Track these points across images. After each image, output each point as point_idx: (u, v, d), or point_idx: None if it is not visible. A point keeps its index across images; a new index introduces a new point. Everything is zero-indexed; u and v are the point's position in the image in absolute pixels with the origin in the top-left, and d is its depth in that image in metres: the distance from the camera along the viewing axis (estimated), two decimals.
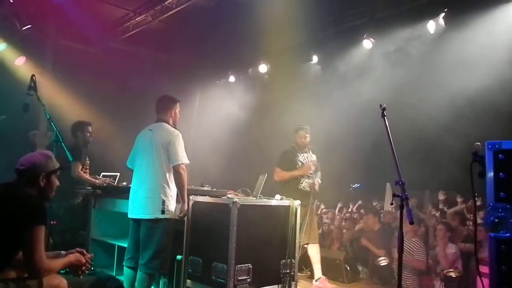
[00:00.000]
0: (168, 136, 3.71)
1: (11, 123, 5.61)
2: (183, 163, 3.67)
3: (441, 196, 6.43)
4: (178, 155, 3.66)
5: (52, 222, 3.96)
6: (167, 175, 3.68)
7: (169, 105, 3.94)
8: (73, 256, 2.55)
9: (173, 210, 3.70)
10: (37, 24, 6.87)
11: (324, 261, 5.06)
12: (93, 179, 5.03)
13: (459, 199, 5.99)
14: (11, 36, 6.69)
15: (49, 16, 6.83)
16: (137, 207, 3.70)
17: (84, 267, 2.57)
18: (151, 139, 3.77)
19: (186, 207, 3.71)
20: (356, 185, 8.31)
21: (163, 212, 3.61)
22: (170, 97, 4.01)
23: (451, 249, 4.98)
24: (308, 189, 4.98)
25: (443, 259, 4.95)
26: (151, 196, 3.64)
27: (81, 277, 2.58)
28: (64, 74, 7.11)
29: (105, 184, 4.91)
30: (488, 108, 5.18)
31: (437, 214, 6.11)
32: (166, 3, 6.61)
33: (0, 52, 6.66)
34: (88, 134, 5.22)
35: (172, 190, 3.71)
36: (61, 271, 3.78)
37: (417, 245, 5.19)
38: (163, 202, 3.62)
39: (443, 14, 5.71)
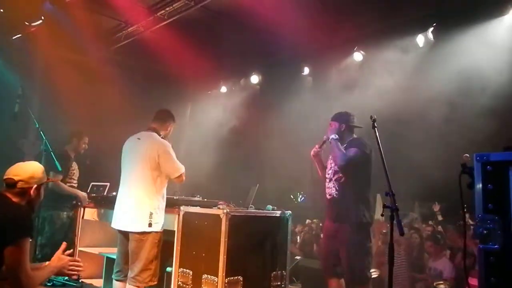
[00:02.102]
0: (158, 147, 3.64)
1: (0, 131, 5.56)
2: (183, 172, 3.69)
3: (436, 208, 6.47)
4: (177, 166, 3.66)
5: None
6: (155, 186, 3.61)
7: (169, 119, 3.91)
8: (54, 261, 2.50)
9: (161, 223, 3.65)
10: (28, 33, 6.86)
11: (312, 272, 5.01)
12: (72, 190, 4.86)
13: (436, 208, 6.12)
14: (1, 45, 6.66)
15: (40, 25, 6.80)
16: (124, 218, 3.63)
17: (71, 266, 2.52)
18: (139, 148, 3.70)
19: None
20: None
21: (150, 225, 3.54)
22: (173, 115, 3.99)
23: (444, 262, 4.99)
24: (328, 196, 3.84)
25: (436, 272, 4.96)
26: (138, 208, 3.57)
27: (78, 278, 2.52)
28: (54, 83, 7.07)
29: (87, 202, 4.80)
30: (476, 119, 5.26)
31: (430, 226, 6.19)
32: (158, 14, 6.65)
33: None
34: (83, 145, 5.18)
35: (160, 202, 3.66)
36: (47, 284, 3.73)
37: (401, 269, 4.99)
38: (151, 214, 3.56)
39: (432, 29, 5.85)
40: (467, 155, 1.82)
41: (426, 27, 5.90)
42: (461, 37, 5.50)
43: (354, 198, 3.62)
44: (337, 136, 3.77)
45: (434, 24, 5.82)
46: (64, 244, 2.60)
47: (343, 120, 3.86)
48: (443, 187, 5.32)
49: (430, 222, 6.46)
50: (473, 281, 2.00)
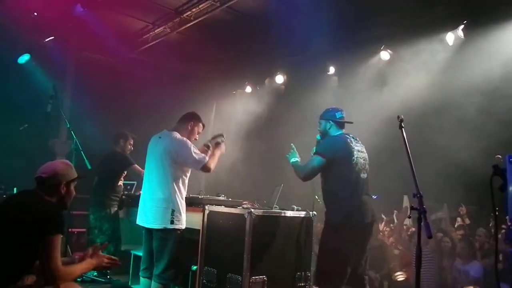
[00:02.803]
0: (176, 143, 3.68)
1: (32, 131, 5.75)
2: (205, 161, 3.65)
3: (462, 211, 6.28)
4: (198, 158, 3.64)
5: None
6: (175, 184, 3.65)
7: (191, 119, 3.92)
8: (94, 258, 2.59)
9: (184, 220, 3.69)
10: (60, 36, 7.08)
11: None
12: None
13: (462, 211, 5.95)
14: (34, 47, 6.89)
15: (71, 28, 7.01)
16: (147, 216, 3.70)
17: (108, 262, 2.65)
18: (159, 146, 3.76)
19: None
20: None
21: (172, 222, 3.59)
22: (197, 114, 3.98)
23: (474, 265, 4.85)
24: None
25: (466, 276, 4.83)
26: (160, 205, 3.63)
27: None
28: (85, 84, 7.27)
29: None
30: (507, 120, 5.08)
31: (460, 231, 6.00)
32: (184, 15, 6.71)
33: (23, 63, 6.86)
34: (129, 146, 5.29)
35: (181, 199, 3.70)
36: (78, 279, 3.84)
37: (426, 268, 4.86)
38: (173, 212, 3.61)
39: (462, 26, 5.67)
40: (499, 156, 1.77)
41: (456, 25, 5.72)
42: (493, 35, 5.31)
43: (325, 200, 3.68)
44: (295, 158, 3.90)
45: (465, 22, 5.64)
46: (104, 244, 2.80)
47: (329, 116, 3.81)
48: (473, 188, 5.17)
49: (458, 220, 6.28)
50: (505, 287, 1.93)
